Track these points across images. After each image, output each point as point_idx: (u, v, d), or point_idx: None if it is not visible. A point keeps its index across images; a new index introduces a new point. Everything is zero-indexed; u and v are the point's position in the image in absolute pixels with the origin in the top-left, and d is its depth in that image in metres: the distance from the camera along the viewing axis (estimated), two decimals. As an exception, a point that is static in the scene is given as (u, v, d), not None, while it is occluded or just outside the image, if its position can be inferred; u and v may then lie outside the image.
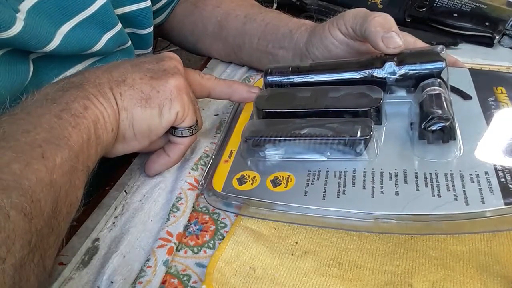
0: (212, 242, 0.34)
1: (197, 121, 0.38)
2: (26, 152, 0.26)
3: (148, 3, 0.48)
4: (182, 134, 0.38)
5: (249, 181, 0.35)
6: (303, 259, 0.32)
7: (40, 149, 0.27)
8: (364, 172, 0.34)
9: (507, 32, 0.62)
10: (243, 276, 0.31)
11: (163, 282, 0.31)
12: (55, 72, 0.39)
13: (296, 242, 0.33)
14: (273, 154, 0.37)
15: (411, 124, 0.36)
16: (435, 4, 0.64)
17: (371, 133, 0.34)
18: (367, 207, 0.31)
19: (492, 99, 0.39)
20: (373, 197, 0.32)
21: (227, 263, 0.32)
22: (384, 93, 0.38)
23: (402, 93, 0.40)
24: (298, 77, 0.43)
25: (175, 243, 0.33)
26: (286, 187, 0.34)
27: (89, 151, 0.31)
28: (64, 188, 0.27)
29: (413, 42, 0.44)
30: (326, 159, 0.35)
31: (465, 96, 0.40)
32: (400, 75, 0.39)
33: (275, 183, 0.35)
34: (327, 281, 0.30)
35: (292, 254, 0.32)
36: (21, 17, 0.33)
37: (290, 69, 0.43)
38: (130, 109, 0.34)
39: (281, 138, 0.36)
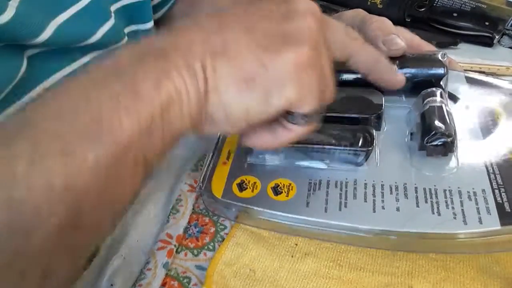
0: (212, 244, 0.34)
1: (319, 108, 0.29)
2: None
3: None
4: (293, 121, 0.29)
5: (250, 188, 0.35)
6: (303, 261, 0.32)
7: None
8: (365, 183, 0.33)
9: (507, 32, 0.62)
10: (243, 278, 0.31)
11: (163, 285, 0.31)
12: (53, 66, 0.38)
13: (296, 244, 0.33)
14: (272, 158, 0.36)
15: (411, 134, 0.36)
16: (434, 4, 0.64)
17: (373, 145, 0.34)
18: (368, 222, 0.31)
19: (488, 109, 0.38)
20: (374, 211, 0.31)
21: (227, 265, 0.32)
22: (383, 96, 0.38)
23: (400, 97, 0.40)
24: None
25: (175, 245, 0.33)
26: (287, 196, 0.34)
27: (151, 140, 0.24)
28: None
29: (410, 38, 0.44)
30: (326, 167, 0.35)
31: (461, 104, 0.39)
32: None
33: (276, 191, 0.34)
34: (327, 283, 0.30)
35: (292, 256, 0.32)
36: (13, 4, 0.33)
37: None
38: (222, 90, 0.26)
39: None
